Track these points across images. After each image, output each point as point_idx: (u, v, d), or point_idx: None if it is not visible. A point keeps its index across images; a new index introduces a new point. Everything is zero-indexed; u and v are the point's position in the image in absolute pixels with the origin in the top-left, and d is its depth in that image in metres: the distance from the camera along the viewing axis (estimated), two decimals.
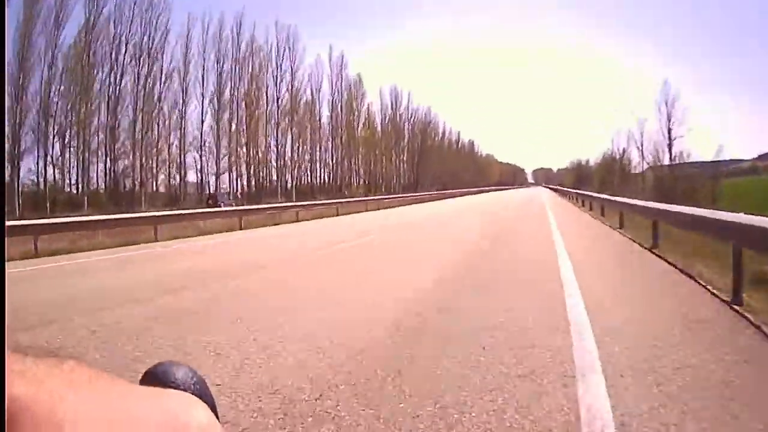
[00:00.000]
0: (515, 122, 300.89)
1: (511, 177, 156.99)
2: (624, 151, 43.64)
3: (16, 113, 28.48)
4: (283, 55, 44.10)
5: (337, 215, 20.32)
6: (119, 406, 0.28)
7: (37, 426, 0.24)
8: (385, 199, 31.16)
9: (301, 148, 47.01)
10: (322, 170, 50.43)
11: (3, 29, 0.34)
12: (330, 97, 49.80)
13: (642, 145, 40.74)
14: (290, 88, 44.31)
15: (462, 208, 24.06)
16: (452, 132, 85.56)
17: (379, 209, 26.09)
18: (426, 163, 65.13)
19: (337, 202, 23.37)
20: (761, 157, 33.59)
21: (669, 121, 37.33)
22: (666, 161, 37.28)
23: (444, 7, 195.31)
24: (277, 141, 43.79)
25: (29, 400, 0.24)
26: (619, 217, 11.63)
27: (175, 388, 0.34)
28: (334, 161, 50.04)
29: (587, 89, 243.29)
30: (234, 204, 31.11)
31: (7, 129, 28.24)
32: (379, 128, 57.56)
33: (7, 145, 29.88)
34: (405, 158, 63.46)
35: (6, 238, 0.29)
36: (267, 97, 42.65)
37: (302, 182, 48.16)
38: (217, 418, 0.34)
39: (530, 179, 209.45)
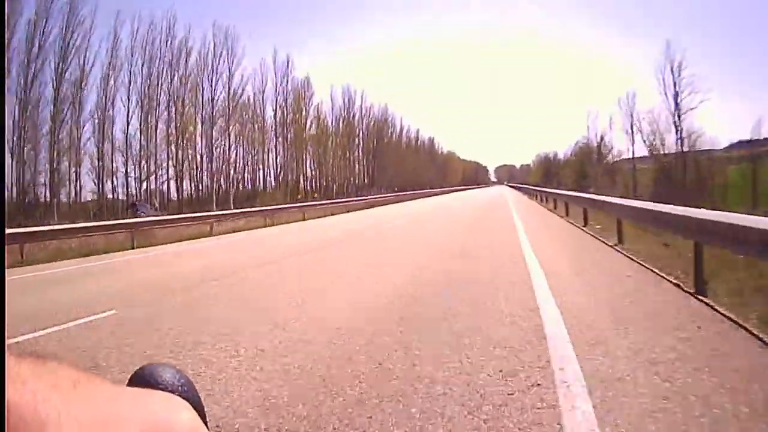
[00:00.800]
0: (477, 118, 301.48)
1: (473, 175, 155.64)
2: (602, 138, 36.49)
3: None
4: (220, 55, 39.61)
5: (210, 233, 15.58)
6: (103, 407, 0.28)
7: (22, 427, 0.24)
8: (313, 206, 25.85)
9: (243, 150, 42.55)
10: (268, 173, 45.78)
11: (3, 29, 0.34)
12: (274, 98, 45.46)
13: (633, 126, 31.11)
14: (227, 88, 39.76)
15: (407, 220, 19.86)
16: (410, 129, 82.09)
17: (306, 219, 21.86)
18: (383, 163, 61.39)
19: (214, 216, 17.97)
20: (732, 147, 30.75)
21: (676, 90, 26.44)
22: (671, 145, 27.17)
23: (395, 10, 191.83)
24: (211, 143, 38.82)
25: (13, 401, 0.24)
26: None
27: (162, 390, 0.34)
28: (278, 162, 45.28)
29: (551, 83, 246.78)
30: (156, 213, 27.45)
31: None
32: (331, 127, 53.43)
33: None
34: (359, 156, 59.54)
35: (6, 242, 0.29)
36: (203, 98, 38.30)
37: (246, 186, 43.68)
38: (204, 418, 0.34)
39: (493, 177, 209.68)
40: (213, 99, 38.69)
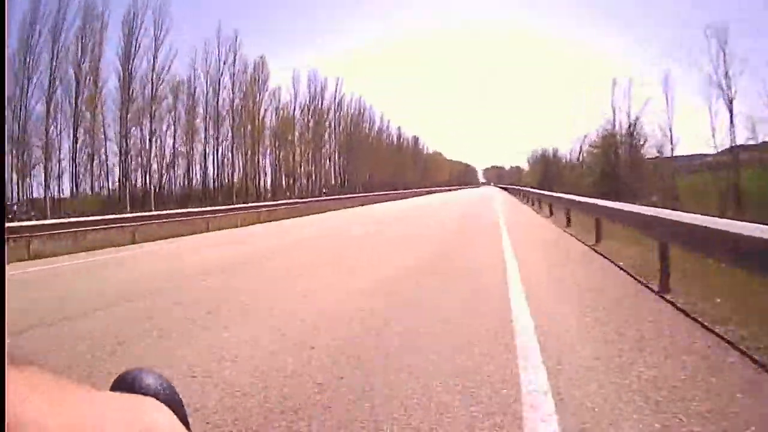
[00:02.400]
0: (467, 122, 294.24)
1: (461, 176, 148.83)
2: (637, 119, 25.28)
3: None
4: (140, 22, 31.82)
5: None
6: (86, 412, 0.28)
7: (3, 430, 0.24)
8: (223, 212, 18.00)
9: (174, 142, 34.76)
10: (212, 170, 37.91)
11: (3, 29, 0.34)
12: (218, 77, 37.55)
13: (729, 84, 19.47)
14: (153, 60, 31.91)
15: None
16: (390, 126, 74.09)
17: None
18: (359, 161, 53.83)
19: None
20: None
21: None
22: None
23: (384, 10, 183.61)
24: (127, 131, 30.81)
25: None
26: None
27: (144, 395, 0.34)
28: (220, 155, 37.36)
29: (540, 87, 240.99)
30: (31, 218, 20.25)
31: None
32: (297, 116, 45.42)
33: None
34: (332, 150, 51.79)
35: (6, 241, 0.30)
36: (121, 75, 30.53)
37: (181, 185, 35.81)
38: (186, 423, 0.34)
39: (482, 178, 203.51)
40: (130, 76, 30.68)
